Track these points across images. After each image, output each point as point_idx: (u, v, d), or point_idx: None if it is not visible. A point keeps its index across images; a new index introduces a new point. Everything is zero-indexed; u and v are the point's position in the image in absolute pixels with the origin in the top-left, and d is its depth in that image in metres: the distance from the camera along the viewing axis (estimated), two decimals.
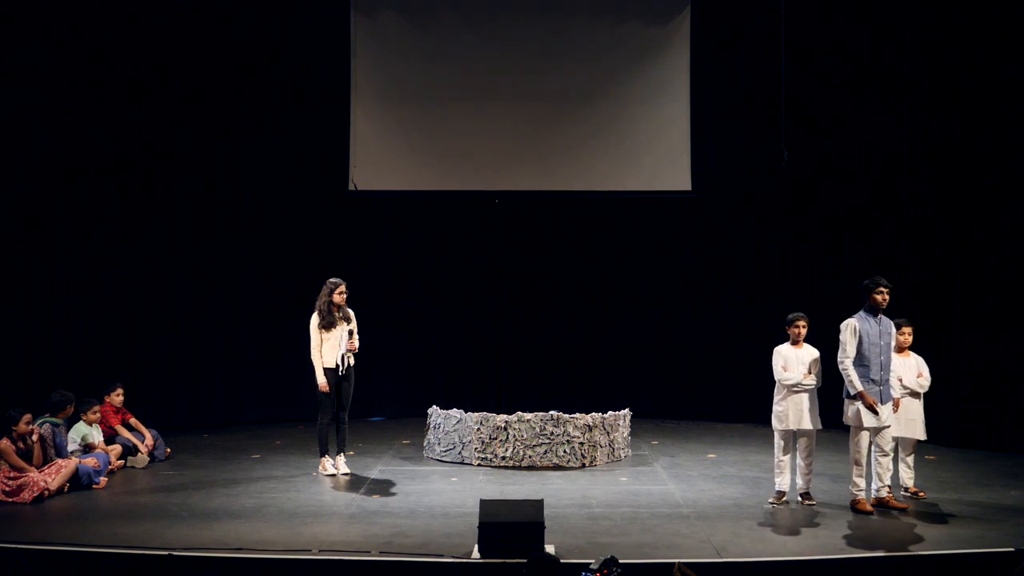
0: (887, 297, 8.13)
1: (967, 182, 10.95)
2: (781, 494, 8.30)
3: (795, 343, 8.35)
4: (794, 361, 8.29)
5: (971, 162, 10.92)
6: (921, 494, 8.45)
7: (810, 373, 8.24)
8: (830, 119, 12.04)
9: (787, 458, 8.32)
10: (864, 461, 8.04)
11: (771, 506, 8.22)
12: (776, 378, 8.32)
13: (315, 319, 9.32)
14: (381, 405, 12.82)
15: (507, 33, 12.45)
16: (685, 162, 12.46)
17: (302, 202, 12.54)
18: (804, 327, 8.36)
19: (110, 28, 11.55)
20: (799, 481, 8.35)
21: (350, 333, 9.33)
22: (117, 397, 9.99)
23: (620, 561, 6.08)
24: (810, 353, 8.35)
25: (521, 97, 12.44)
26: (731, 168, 12.55)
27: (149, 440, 10.01)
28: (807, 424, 8.21)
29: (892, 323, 8.21)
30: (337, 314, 9.33)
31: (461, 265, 12.97)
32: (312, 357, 9.30)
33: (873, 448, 8.13)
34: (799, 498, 8.30)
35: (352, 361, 9.39)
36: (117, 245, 11.72)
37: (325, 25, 12.46)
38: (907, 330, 8.59)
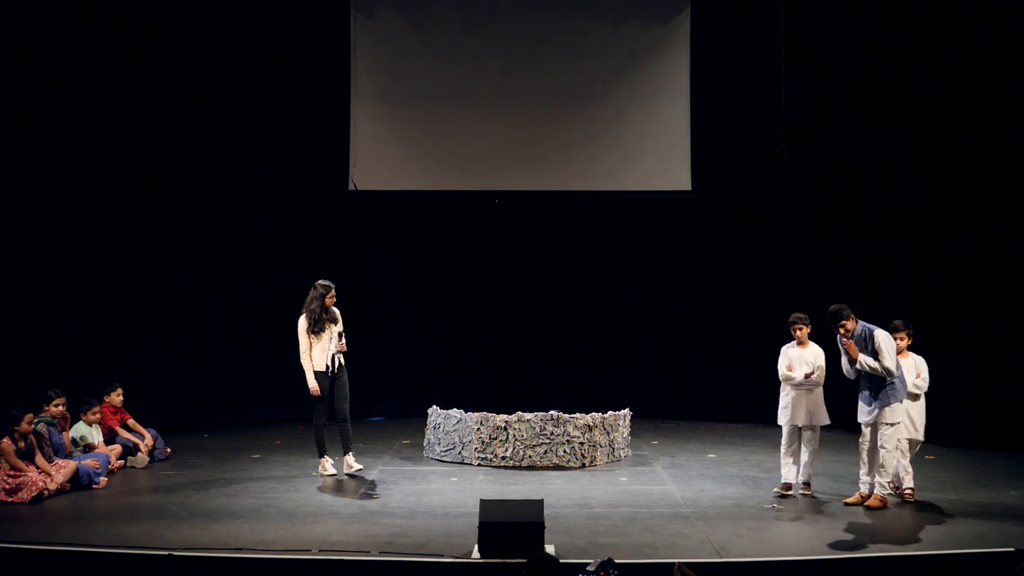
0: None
1: (968, 182, 10.94)
2: (786, 485, 8.56)
3: (800, 343, 8.59)
4: (797, 361, 8.56)
5: (973, 161, 10.91)
6: (907, 493, 8.36)
7: (812, 373, 8.40)
8: (830, 119, 12.03)
9: (792, 451, 8.56)
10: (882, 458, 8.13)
11: (775, 495, 8.46)
12: (780, 377, 8.60)
13: (303, 323, 9.23)
14: (381, 405, 12.82)
15: (507, 33, 12.45)
16: (685, 162, 12.45)
17: (302, 202, 12.54)
18: (802, 328, 8.59)
19: (108, 29, 11.54)
20: (800, 471, 8.58)
21: (340, 335, 9.32)
22: (117, 397, 9.98)
23: (621, 561, 6.08)
24: (813, 353, 8.56)
25: (521, 97, 12.44)
26: (731, 168, 12.55)
27: (149, 440, 10.01)
28: (809, 420, 8.48)
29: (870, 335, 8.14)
30: (325, 316, 9.30)
31: (461, 265, 12.97)
32: (302, 361, 9.23)
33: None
34: (801, 487, 8.54)
35: (342, 361, 9.37)
36: (117, 245, 11.71)
37: (325, 25, 12.46)
38: (901, 335, 8.48)
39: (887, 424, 8.06)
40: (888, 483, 8.12)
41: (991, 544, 6.95)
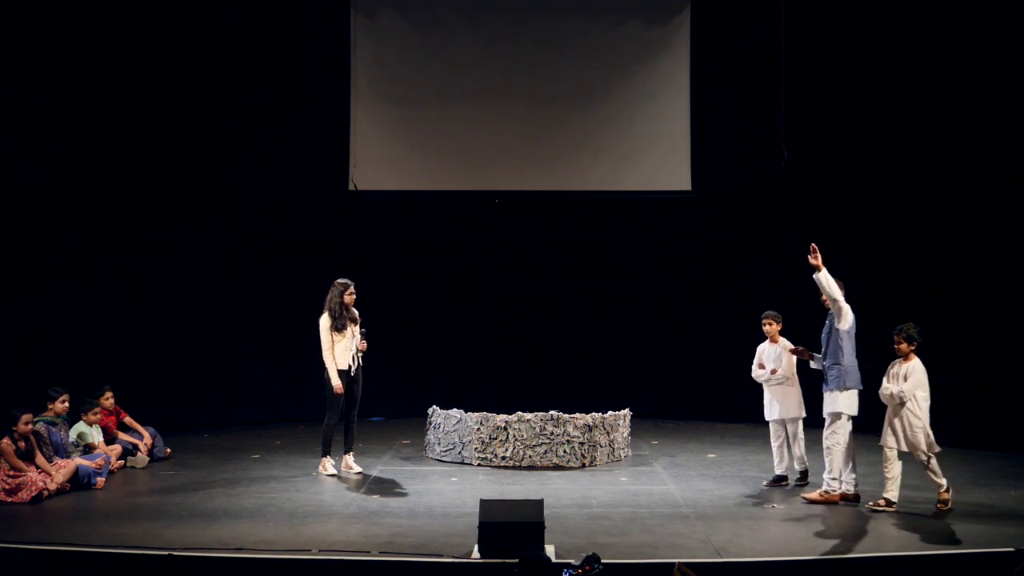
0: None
1: (968, 182, 10.95)
2: (777, 478, 8.88)
3: (771, 340, 8.96)
4: (767, 357, 8.94)
5: (973, 161, 10.91)
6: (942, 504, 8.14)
7: (776, 369, 8.78)
8: (830, 118, 12.04)
9: (779, 445, 8.89)
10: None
11: (765, 487, 8.75)
12: (752, 375, 9.02)
13: (326, 321, 9.26)
14: (381, 405, 12.80)
15: (507, 33, 12.46)
16: (685, 162, 12.46)
17: (302, 202, 12.54)
18: (769, 324, 8.97)
19: (109, 28, 11.54)
20: (796, 463, 8.84)
21: (362, 334, 9.34)
22: (107, 400, 9.93)
23: (621, 562, 6.08)
24: (778, 350, 8.90)
25: (521, 97, 12.44)
26: (731, 168, 12.55)
27: (148, 439, 10.00)
28: (783, 414, 8.82)
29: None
30: (346, 315, 9.32)
31: (461, 265, 12.96)
32: (325, 359, 9.22)
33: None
34: (797, 479, 8.82)
35: (361, 361, 9.40)
36: (117, 245, 11.71)
37: (325, 25, 12.45)
38: (897, 338, 8.13)
39: (830, 414, 8.12)
40: (833, 479, 8.15)
41: (991, 544, 6.96)
